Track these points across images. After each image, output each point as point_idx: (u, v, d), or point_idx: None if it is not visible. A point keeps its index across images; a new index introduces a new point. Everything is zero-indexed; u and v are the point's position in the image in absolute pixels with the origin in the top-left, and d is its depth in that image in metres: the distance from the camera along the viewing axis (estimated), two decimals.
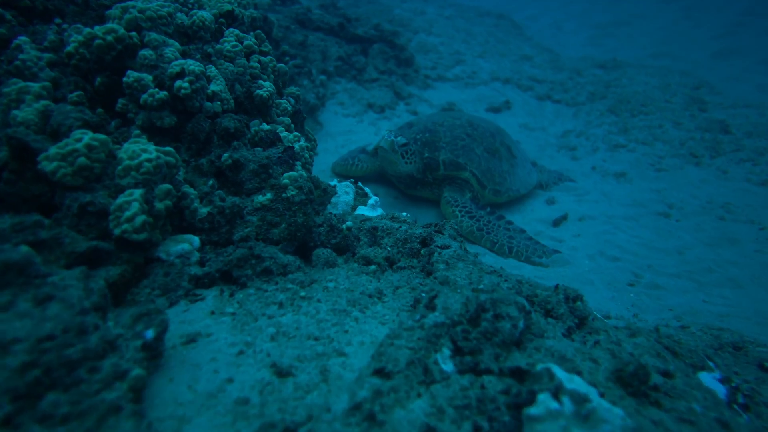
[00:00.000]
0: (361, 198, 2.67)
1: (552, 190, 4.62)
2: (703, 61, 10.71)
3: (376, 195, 4.17)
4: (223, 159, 1.93)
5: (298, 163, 2.12)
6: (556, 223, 3.88)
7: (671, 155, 5.22)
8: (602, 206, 4.17)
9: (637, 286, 2.82)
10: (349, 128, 5.92)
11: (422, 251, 2.05)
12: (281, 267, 1.75)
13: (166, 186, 1.56)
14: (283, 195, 1.93)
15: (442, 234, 2.15)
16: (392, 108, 6.88)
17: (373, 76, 7.49)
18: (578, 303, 1.59)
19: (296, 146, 2.24)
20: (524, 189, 4.24)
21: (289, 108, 2.52)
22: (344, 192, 2.62)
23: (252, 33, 2.75)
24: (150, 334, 1.13)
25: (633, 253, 3.29)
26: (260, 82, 2.33)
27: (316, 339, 1.44)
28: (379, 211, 2.61)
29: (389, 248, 2.06)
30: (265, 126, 2.19)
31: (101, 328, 1.05)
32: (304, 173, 2.10)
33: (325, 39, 7.12)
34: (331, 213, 2.43)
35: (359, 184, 2.76)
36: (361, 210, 2.55)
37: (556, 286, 1.64)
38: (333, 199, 2.58)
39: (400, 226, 2.14)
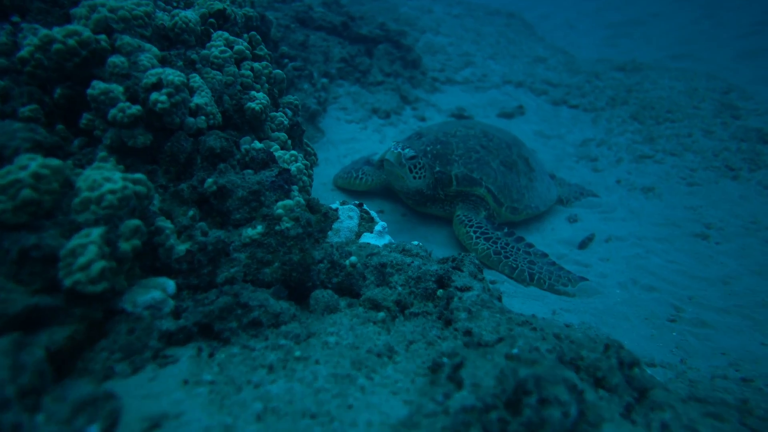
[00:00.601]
0: (366, 223, 2.44)
1: (573, 206, 4.38)
2: (726, 63, 10.47)
3: (381, 211, 3.95)
4: (206, 185, 1.70)
5: (294, 187, 1.89)
6: (583, 245, 3.64)
7: (704, 167, 4.98)
8: (631, 225, 3.93)
9: (679, 323, 2.57)
10: (353, 135, 5.71)
11: (438, 292, 1.81)
12: (273, 317, 1.52)
13: (134, 222, 1.33)
14: (277, 228, 1.70)
15: (461, 271, 1.91)
16: (398, 113, 6.67)
17: (378, 78, 7.29)
18: (635, 370, 1.35)
19: (293, 168, 2.01)
20: (544, 206, 4.00)
21: (286, 122, 2.30)
22: (347, 216, 2.39)
23: (246, 35, 2.54)
24: (94, 431, 0.89)
25: (670, 282, 3.04)
26: (252, 93, 2.11)
27: (312, 417, 1.21)
28: (387, 239, 2.37)
29: (400, 288, 1.82)
30: (257, 144, 1.97)
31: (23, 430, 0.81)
32: (301, 200, 1.88)
33: (328, 39, 6.93)
34: (332, 243, 2.20)
35: (364, 206, 2.53)
36: (367, 238, 2.32)
37: (606, 347, 1.40)
38: (335, 225, 2.35)
39: (413, 261, 1.91)
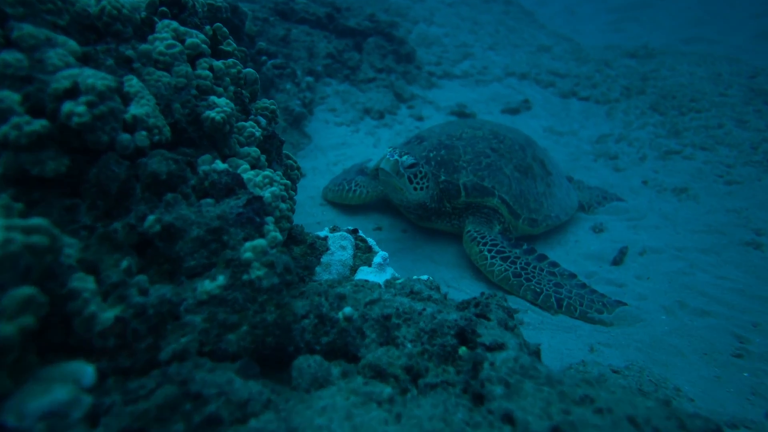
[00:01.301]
0: (363, 254, 2.07)
1: (597, 213, 4.03)
2: (743, 44, 10.21)
3: (379, 228, 3.59)
4: (147, 223, 1.34)
5: (269, 219, 1.53)
6: (616, 261, 3.28)
7: (743, 163, 4.65)
8: (666, 234, 3.59)
9: (747, 358, 2.22)
10: (343, 140, 5.35)
11: (461, 351, 1.45)
12: (238, 408, 1.15)
13: (25, 291, 0.97)
14: (245, 277, 1.35)
15: (488, 319, 1.55)
16: (393, 113, 6.32)
17: (369, 75, 6.94)
18: None
19: (267, 193, 1.65)
20: (565, 215, 3.65)
21: (258, 133, 1.94)
22: (339, 247, 2.02)
23: (209, 27, 2.17)
24: None
25: (725, 304, 2.70)
26: (212, 98, 1.74)
27: None
28: (389, 272, 2.01)
29: (410, 345, 1.46)
30: (219, 165, 1.61)
31: None
32: (278, 235, 1.51)
33: (312, 33, 6.57)
34: (321, 282, 1.84)
35: (360, 233, 2.16)
36: (364, 273, 1.96)
37: None
38: (324, 258, 1.98)
39: (424, 308, 1.55)
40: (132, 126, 1.46)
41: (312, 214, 3.71)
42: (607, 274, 3.13)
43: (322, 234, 2.08)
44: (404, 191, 3.05)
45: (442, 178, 3.32)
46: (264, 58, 4.86)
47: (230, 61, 2.17)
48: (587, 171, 4.94)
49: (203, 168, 1.61)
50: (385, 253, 2.07)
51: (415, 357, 1.45)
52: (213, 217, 1.43)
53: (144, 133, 1.47)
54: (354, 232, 2.14)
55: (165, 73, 1.63)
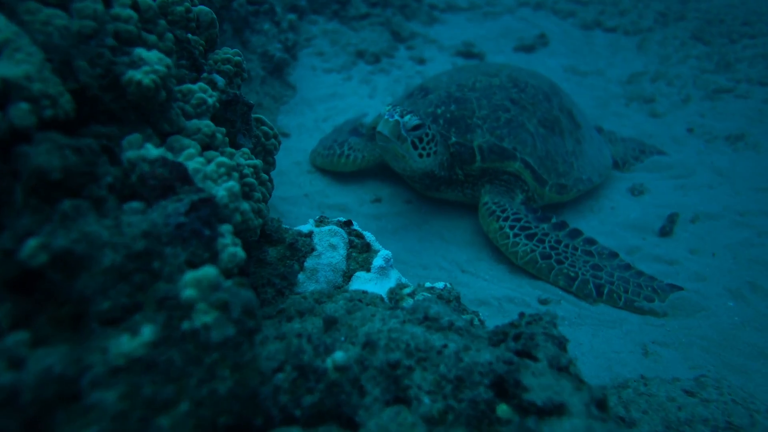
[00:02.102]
0: (359, 253, 1.68)
1: (634, 170, 3.61)
2: None
3: (378, 199, 3.17)
4: (26, 252, 0.94)
5: (225, 229, 1.13)
6: (664, 231, 2.89)
7: None
8: (723, 195, 3.18)
9: None
10: (333, 90, 4.84)
11: (500, 411, 1.09)
12: None
13: None
14: (185, 326, 0.98)
15: (534, 359, 1.18)
16: (390, 55, 5.74)
17: (361, 10, 6.30)
18: None
19: (221, 191, 1.23)
20: (598, 177, 3.23)
21: (211, 99, 1.49)
22: (328, 246, 1.63)
23: None
24: None
25: None
26: (138, 51, 1.29)
27: None
28: (393, 278, 1.63)
29: (427, 400, 1.11)
30: (151, 151, 1.20)
31: None
32: (240, 253, 1.13)
33: None
34: (304, 296, 1.46)
35: (355, 226, 1.76)
36: (361, 281, 1.58)
37: None
38: (309, 262, 1.59)
39: (446, 344, 1.19)
40: (2, 95, 1.02)
41: (298, 185, 3.29)
42: (654, 249, 2.76)
43: (305, 228, 1.68)
44: (407, 159, 2.62)
45: (453, 139, 2.87)
46: None
47: None
48: (619, 118, 4.46)
49: (128, 155, 1.19)
50: (387, 252, 1.67)
51: (435, 419, 1.09)
52: (137, 234, 1.04)
53: (25, 105, 1.04)
54: (347, 224, 1.74)
55: (59, 12, 1.17)
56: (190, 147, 1.31)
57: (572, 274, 2.46)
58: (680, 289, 2.36)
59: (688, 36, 5.47)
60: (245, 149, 1.62)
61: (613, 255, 2.56)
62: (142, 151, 1.19)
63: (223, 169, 1.27)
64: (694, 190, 3.25)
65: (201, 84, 1.50)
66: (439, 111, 2.96)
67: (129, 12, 1.32)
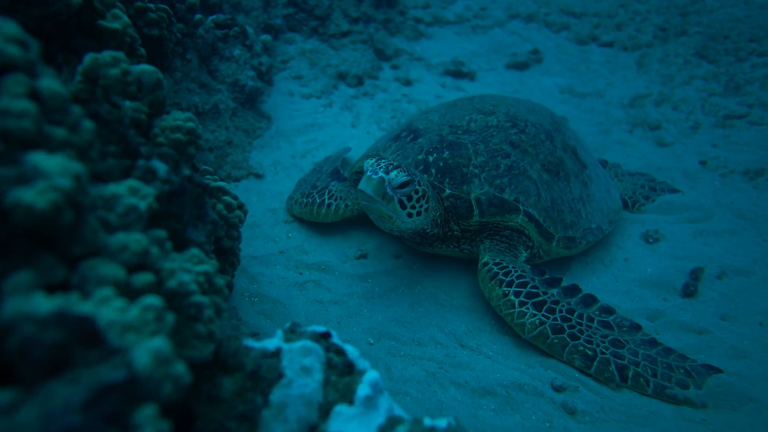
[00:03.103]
0: (339, 377, 1.39)
1: (645, 211, 3.38)
2: None
3: (363, 255, 2.89)
4: None
5: (145, 415, 0.85)
6: (688, 291, 2.65)
7: None
8: (748, 243, 2.95)
9: None
10: (312, 118, 4.57)
11: None
12: None
13: None
14: None
15: None
16: (374, 76, 5.50)
17: (342, 27, 6.06)
18: None
19: (142, 359, 0.93)
20: (608, 224, 2.99)
21: (144, 204, 1.20)
22: (300, 369, 1.34)
23: None
24: None
25: None
26: (33, 159, 1.00)
27: None
28: (383, 409, 1.34)
29: None
30: (42, 305, 0.94)
31: None
32: None
33: None
34: None
35: (334, 339, 1.47)
36: (343, 418, 1.29)
37: None
38: (276, 394, 1.30)
39: None
40: None
41: (272, 238, 3.00)
42: (679, 314, 2.51)
43: (271, 345, 1.39)
44: (394, 219, 2.35)
45: (448, 191, 2.61)
46: (198, 16, 3.96)
47: (106, 57, 1.44)
48: (623, 148, 4.24)
49: (6, 311, 0.89)
50: (374, 375, 1.39)
51: None
52: None
53: None
54: (325, 336, 1.46)
55: None
56: (106, 285, 1.01)
57: (590, 353, 2.20)
58: (718, 371, 2.11)
59: (691, 53, 5.30)
60: (195, 251, 1.33)
61: (635, 327, 2.31)
62: (26, 304, 0.90)
63: (151, 314, 0.98)
64: (716, 237, 3.02)
65: (132, 183, 1.21)
66: (430, 159, 2.70)
67: (24, 104, 1.04)
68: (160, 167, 1.33)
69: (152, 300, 0.98)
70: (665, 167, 3.84)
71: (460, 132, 2.80)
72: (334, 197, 3.00)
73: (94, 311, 0.91)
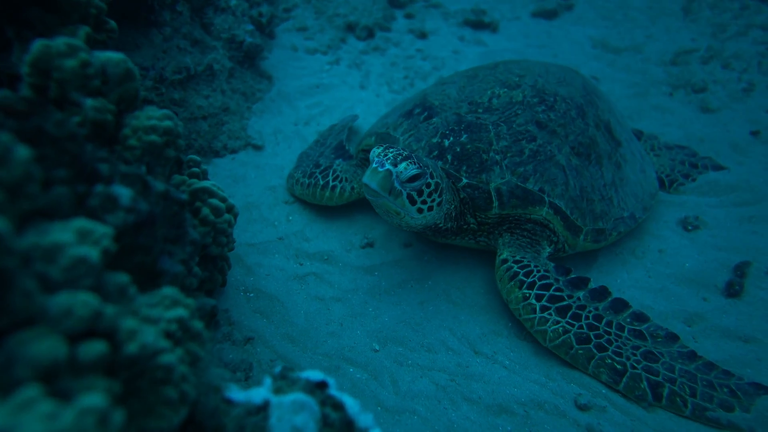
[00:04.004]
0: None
1: (684, 192, 3.12)
2: None
3: (369, 244, 2.72)
4: None
5: None
6: (732, 289, 2.45)
7: None
8: None
9: None
10: (318, 78, 4.29)
11: None
12: None
13: None
14: None
15: None
16: (386, 28, 5.13)
17: None
18: None
19: None
20: (642, 211, 2.76)
21: (95, 253, 1.03)
22: (291, 430, 1.19)
23: None
24: None
25: None
26: None
27: None
28: None
29: None
30: None
31: None
32: None
33: None
34: None
35: (331, 391, 1.31)
36: None
37: None
38: None
39: None
40: None
41: (271, 222, 2.83)
42: (721, 318, 2.32)
43: (258, 397, 1.24)
44: (402, 215, 2.16)
45: (464, 181, 2.39)
46: None
47: (60, 45, 1.26)
48: (661, 114, 3.92)
49: None
50: None
51: None
52: None
53: None
54: (321, 387, 1.30)
55: None
56: (32, 380, 0.85)
57: (619, 367, 2.04)
58: None
59: None
60: (167, 291, 1.16)
61: (672, 338, 2.14)
62: None
63: (91, 420, 0.82)
64: (766, 225, 2.77)
65: (81, 224, 1.02)
66: (446, 143, 2.46)
67: None
68: (123, 193, 1.14)
69: (93, 400, 0.82)
70: (709, 138, 3.54)
71: (480, 110, 2.54)
72: (339, 179, 2.80)
73: (10, 427, 0.75)
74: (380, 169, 2.04)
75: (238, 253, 2.57)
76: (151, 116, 1.48)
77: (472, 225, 2.45)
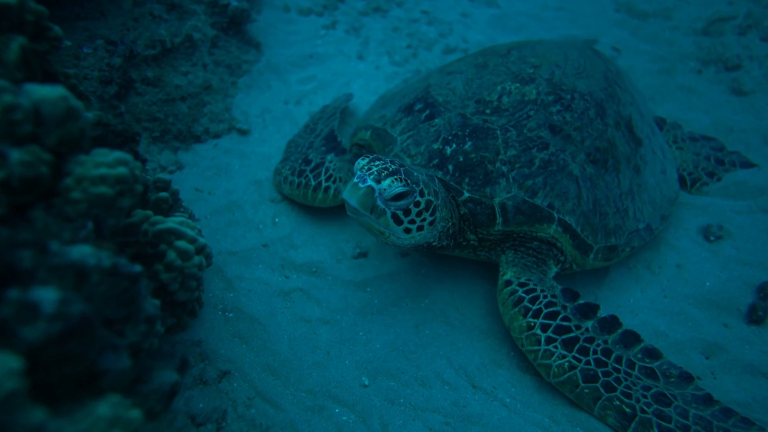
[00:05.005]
0: None
1: (707, 193, 2.94)
2: None
3: (362, 254, 2.58)
4: None
5: None
6: (755, 315, 2.31)
7: None
8: None
9: None
10: (311, 47, 4.02)
11: None
12: None
13: None
14: None
15: None
16: None
17: None
18: None
19: None
20: (659, 221, 2.60)
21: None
22: None
23: None
24: None
25: None
26: None
27: None
28: None
29: None
30: None
31: None
32: None
33: None
34: None
35: None
36: None
37: None
38: None
39: None
40: None
41: (255, 225, 2.69)
42: (742, 349, 2.20)
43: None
44: (387, 235, 2.01)
45: (466, 195, 2.21)
46: None
47: None
48: (687, 96, 3.66)
49: None
50: None
51: None
52: None
53: None
54: None
55: None
56: None
57: (627, 410, 1.94)
58: None
59: None
60: (102, 410, 1.01)
61: (686, 378, 2.02)
62: None
63: None
64: None
65: None
66: (448, 150, 2.27)
67: None
68: (47, 298, 0.98)
69: None
70: (739, 127, 3.31)
71: (488, 111, 2.34)
72: (332, 178, 2.63)
73: None
74: (361, 185, 1.87)
75: (218, 263, 2.43)
76: (100, 163, 1.30)
77: (472, 241, 2.30)
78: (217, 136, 3.21)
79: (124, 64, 2.90)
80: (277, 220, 2.73)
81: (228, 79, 3.58)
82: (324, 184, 2.63)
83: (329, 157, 2.75)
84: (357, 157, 2.71)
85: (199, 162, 3.01)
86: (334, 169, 2.67)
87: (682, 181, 2.99)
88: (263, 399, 1.94)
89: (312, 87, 3.65)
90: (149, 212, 1.60)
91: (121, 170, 1.31)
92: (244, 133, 3.25)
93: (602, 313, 2.18)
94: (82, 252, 1.08)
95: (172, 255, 1.56)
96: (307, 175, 2.69)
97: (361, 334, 2.26)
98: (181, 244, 1.58)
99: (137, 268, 1.20)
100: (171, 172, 2.88)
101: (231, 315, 2.25)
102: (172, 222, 1.58)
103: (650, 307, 2.41)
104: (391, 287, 2.45)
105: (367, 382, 2.07)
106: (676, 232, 2.74)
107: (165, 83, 3.13)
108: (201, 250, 1.64)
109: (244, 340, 2.17)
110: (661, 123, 3.30)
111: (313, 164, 2.73)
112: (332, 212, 2.75)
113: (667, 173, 2.80)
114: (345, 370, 2.10)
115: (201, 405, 1.81)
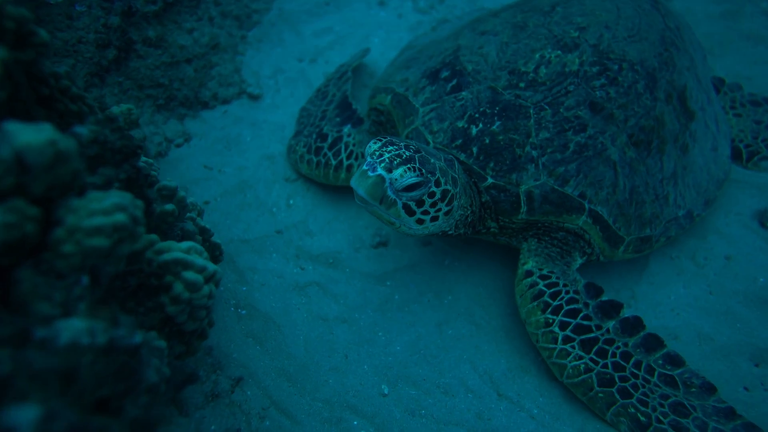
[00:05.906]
0: None
1: (765, 168, 2.74)
2: None
3: (382, 243, 2.52)
4: None
5: None
6: None
7: None
8: None
9: None
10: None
11: None
12: None
13: None
14: None
15: None
16: None
17: None
18: None
19: None
20: (703, 206, 2.45)
21: None
22: None
23: None
24: None
25: None
26: None
27: None
28: None
29: None
30: None
31: None
32: None
33: None
34: None
35: None
36: None
37: None
38: None
39: None
40: None
41: (269, 208, 2.62)
42: None
43: None
44: (398, 225, 1.93)
45: (489, 181, 2.10)
46: None
47: None
48: (753, 46, 3.35)
49: None
50: None
51: None
52: None
53: None
54: None
55: None
56: None
57: (642, 418, 1.88)
58: None
59: None
60: None
61: (708, 389, 1.94)
62: None
63: None
64: None
65: None
66: (474, 130, 2.13)
67: None
68: (25, 419, 0.90)
69: None
70: None
71: (522, 85, 2.17)
72: (353, 155, 2.54)
73: None
74: (371, 174, 1.77)
75: (229, 252, 2.40)
76: (95, 210, 1.19)
77: (492, 229, 2.21)
78: (226, 101, 3.11)
79: (122, 23, 2.78)
80: (291, 201, 2.66)
81: (237, 33, 3.43)
82: (345, 163, 2.52)
83: (346, 129, 2.63)
84: (376, 125, 2.60)
85: (208, 132, 2.93)
86: (353, 144, 2.56)
87: (736, 154, 2.78)
88: (278, 409, 1.93)
89: (328, 42, 3.46)
90: (154, 237, 1.52)
91: (119, 217, 1.19)
92: (255, 98, 3.14)
93: (631, 312, 2.11)
94: (74, 330, 1.02)
95: (179, 288, 1.50)
96: (325, 153, 2.59)
97: (380, 334, 2.21)
98: (189, 275, 1.51)
99: (137, 339, 1.15)
100: (178, 146, 2.82)
101: (244, 312, 2.23)
102: (179, 252, 1.51)
103: (694, 305, 2.29)
104: (412, 280, 2.39)
105: (386, 391, 2.03)
106: (727, 217, 2.57)
107: (168, 43, 3.00)
108: (210, 278, 1.58)
109: (258, 340, 2.14)
110: (718, 84, 3.04)
111: (330, 140, 2.61)
112: (351, 192, 2.67)
113: (718, 150, 2.60)
114: (364, 377, 2.07)
115: (213, 428, 1.82)
